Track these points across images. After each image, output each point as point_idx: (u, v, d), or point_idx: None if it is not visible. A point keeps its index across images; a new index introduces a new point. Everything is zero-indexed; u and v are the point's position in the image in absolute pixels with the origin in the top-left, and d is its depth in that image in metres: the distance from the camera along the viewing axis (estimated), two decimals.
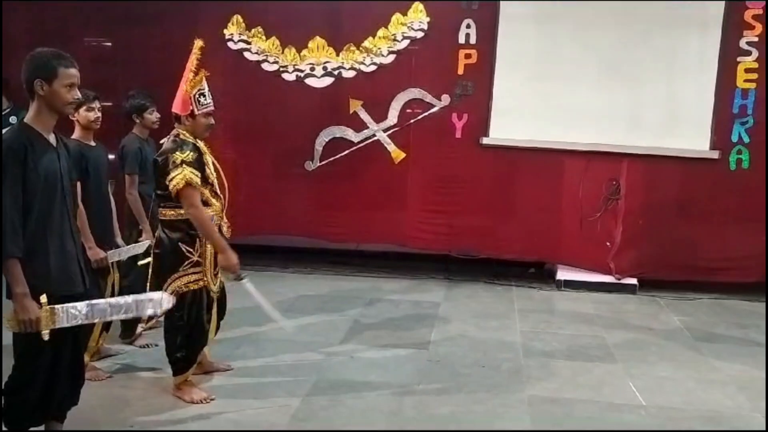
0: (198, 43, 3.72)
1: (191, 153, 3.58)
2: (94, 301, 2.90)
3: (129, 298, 3.04)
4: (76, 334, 2.95)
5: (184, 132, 3.70)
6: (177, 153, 3.56)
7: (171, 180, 3.54)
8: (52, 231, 2.76)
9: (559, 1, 6.11)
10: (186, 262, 3.65)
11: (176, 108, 3.73)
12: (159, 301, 3.06)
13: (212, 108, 3.77)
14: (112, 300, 3.03)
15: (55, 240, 2.78)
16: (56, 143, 2.86)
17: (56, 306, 2.74)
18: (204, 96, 3.71)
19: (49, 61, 2.76)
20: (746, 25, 5.99)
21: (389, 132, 6.45)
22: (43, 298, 2.69)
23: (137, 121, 4.68)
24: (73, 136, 3.97)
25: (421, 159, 6.47)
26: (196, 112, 3.68)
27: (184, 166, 3.53)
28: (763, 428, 3.70)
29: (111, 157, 4.24)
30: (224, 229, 3.87)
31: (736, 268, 6.26)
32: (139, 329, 4.68)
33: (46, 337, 2.71)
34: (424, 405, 3.83)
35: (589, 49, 6.18)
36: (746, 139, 6.09)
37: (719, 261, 6.27)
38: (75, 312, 2.79)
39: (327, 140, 6.49)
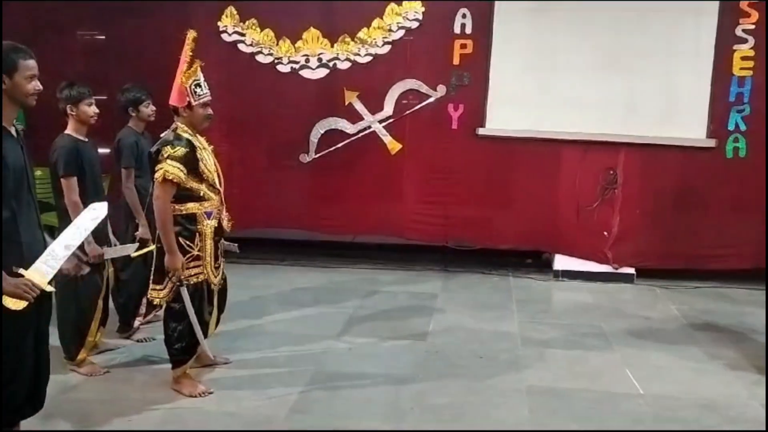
0: (191, 34, 3.70)
1: (181, 149, 3.58)
2: (57, 240, 2.94)
3: (76, 221, 3.08)
4: (45, 319, 3.00)
5: (183, 125, 3.69)
6: (167, 147, 3.58)
7: (156, 173, 3.58)
8: (22, 223, 2.81)
9: None
10: (186, 256, 3.65)
11: (173, 100, 3.73)
12: (99, 209, 3.14)
13: (209, 98, 3.77)
14: (68, 230, 3.01)
15: (26, 231, 2.82)
16: (17, 135, 2.89)
17: (34, 265, 2.76)
18: (200, 86, 3.71)
19: (7, 54, 2.79)
20: (742, 12, 5.97)
21: (385, 123, 6.43)
22: (20, 270, 2.73)
23: (133, 114, 4.64)
24: (67, 131, 3.96)
25: (417, 150, 6.46)
26: (194, 103, 3.69)
27: (168, 160, 3.54)
28: (761, 414, 3.70)
29: (101, 151, 4.21)
30: (224, 223, 3.87)
31: (733, 256, 6.27)
32: (136, 323, 4.68)
33: (50, 288, 2.78)
34: (421, 396, 3.84)
35: (585, 38, 6.16)
36: (743, 127, 6.08)
37: (716, 249, 6.28)
38: (53, 256, 2.82)
39: (322, 132, 6.47)
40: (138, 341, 4.56)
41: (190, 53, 3.69)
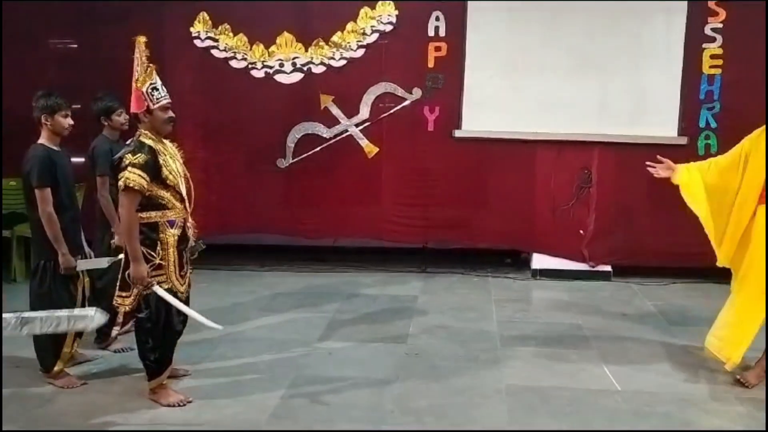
0: (141, 38, 3.66)
1: (142, 155, 3.53)
2: (25, 314, 2.87)
3: (63, 312, 3.02)
4: None
5: (146, 131, 3.65)
6: (129, 155, 3.54)
7: (118, 181, 3.54)
8: None
9: None
10: (147, 265, 3.58)
11: (132, 107, 3.69)
12: (92, 317, 3.05)
13: (168, 101, 3.69)
14: (43, 314, 2.96)
15: None
16: None
17: None
18: (157, 90, 3.64)
19: None
20: (710, 11, 6.07)
21: (361, 127, 6.44)
22: None
23: (105, 123, 4.61)
24: (40, 141, 3.92)
25: (394, 153, 6.48)
26: (152, 107, 3.63)
27: (129, 168, 3.50)
28: (738, 408, 3.76)
29: (73, 160, 4.17)
30: (189, 232, 3.81)
31: (707, 253, 6.31)
32: (113, 333, 4.63)
33: None
34: (403, 398, 3.85)
35: (558, 40, 6.22)
36: (713, 124, 6.17)
37: (692, 246, 6.25)
38: (8, 324, 2.80)
39: (299, 137, 6.46)
40: (116, 351, 4.51)
41: (144, 58, 3.63)
